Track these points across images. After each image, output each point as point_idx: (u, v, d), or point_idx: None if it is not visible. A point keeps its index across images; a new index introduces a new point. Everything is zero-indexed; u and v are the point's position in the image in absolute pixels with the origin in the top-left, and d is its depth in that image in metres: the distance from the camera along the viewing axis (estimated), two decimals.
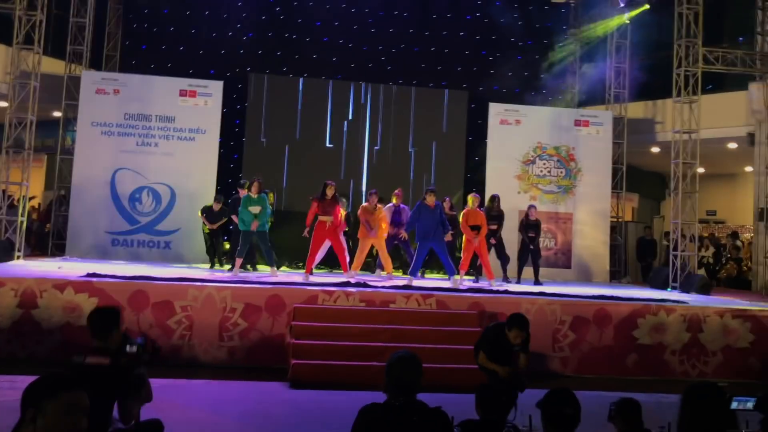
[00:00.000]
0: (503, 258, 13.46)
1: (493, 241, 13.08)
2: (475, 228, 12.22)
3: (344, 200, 13.46)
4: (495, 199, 13.36)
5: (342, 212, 12.36)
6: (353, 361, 8.65)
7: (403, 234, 12.94)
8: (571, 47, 17.74)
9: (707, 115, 14.77)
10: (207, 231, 13.51)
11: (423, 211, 11.69)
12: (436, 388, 8.16)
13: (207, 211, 13.46)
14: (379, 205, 12.65)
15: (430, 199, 11.68)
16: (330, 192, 11.80)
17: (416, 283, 11.42)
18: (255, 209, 11.79)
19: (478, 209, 12.39)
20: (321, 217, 11.66)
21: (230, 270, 12.39)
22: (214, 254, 13.60)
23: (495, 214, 13.12)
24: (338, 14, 16.59)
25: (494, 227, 12.98)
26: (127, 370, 4.33)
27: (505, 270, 13.42)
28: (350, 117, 15.73)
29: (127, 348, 4.41)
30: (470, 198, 12.53)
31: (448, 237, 11.95)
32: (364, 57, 16.58)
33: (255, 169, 15.12)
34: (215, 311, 9.58)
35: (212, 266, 13.39)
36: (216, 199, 13.62)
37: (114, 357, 4.34)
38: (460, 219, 12.41)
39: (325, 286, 10.45)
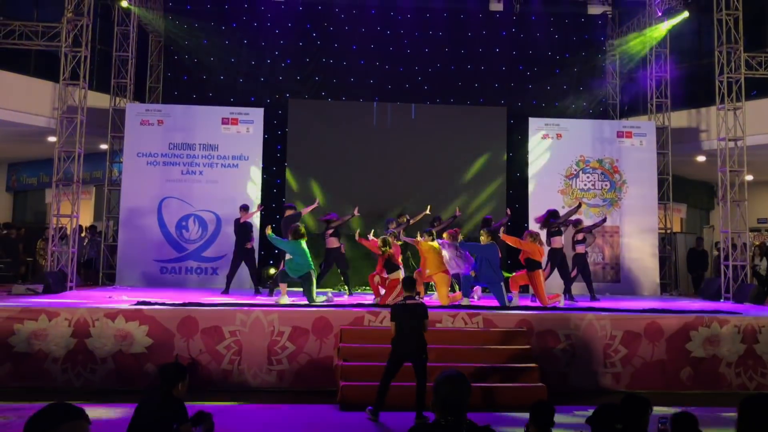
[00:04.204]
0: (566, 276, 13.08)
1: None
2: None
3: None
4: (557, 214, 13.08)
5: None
6: (402, 381, 8.61)
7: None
8: (610, 58, 17.62)
9: (753, 122, 14.49)
10: (237, 250, 13.14)
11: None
12: (485, 407, 8.14)
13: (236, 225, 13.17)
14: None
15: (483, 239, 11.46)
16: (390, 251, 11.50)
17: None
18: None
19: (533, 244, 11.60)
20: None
21: (270, 294, 12.48)
22: (233, 277, 13.12)
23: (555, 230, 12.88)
24: (374, 37, 16.77)
25: (559, 246, 12.77)
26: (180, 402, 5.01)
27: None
28: (389, 138, 15.76)
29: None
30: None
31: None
32: (401, 78, 16.68)
33: (298, 193, 15.28)
34: (263, 335, 9.65)
35: (227, 290, 12.89)
36: (243, 207, 13.30)
37: None
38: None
39: (372, 307, 10.46)
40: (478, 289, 12.45)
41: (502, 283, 11.39)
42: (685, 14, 15.33)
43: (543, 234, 12.62)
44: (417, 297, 8.76)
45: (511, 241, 11.65)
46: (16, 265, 16.21)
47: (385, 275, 11.49)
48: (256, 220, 14.17)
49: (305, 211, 13.17)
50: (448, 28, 16.98)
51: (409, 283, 8.38)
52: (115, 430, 4.97)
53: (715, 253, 17.14)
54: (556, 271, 12.88)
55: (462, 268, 11.62)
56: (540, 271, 11.50)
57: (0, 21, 14.30)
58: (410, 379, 8.65)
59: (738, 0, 14.04)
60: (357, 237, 12.37)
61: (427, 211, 13.58)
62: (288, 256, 11.63)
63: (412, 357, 7.91)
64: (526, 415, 4.70)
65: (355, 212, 13.16)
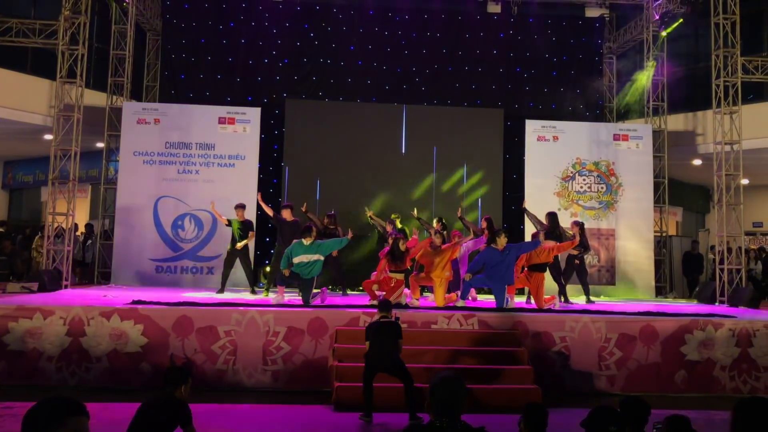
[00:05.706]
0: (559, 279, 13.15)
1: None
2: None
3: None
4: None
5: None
6: (397, 383, 8.62)
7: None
8: (607, 61, 17.64)
9: (749, 125, 14.52)
10: (231, 249, 12.96)
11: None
12: (480, 408, 8.14)
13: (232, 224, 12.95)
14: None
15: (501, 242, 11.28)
16: (404, 246, 11.53)
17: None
18: None
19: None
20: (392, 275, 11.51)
21: (266, 294, 12.44)
22: (228, 278, 13.00)
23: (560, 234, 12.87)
24: (371, 37, 16.78)
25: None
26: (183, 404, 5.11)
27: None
28: (386, 139, 15.75)
29: None
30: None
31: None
32: (397, 79, 16.68)
33: (294, 193, 15.25)
34: (258, 335, 9.64)
35: (222, 290, 12.75)
36: (239, 206, 13.08)
37: None
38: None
39: (367, 308, 10.45)
40: (473, 291, 12.44)
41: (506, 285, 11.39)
42: (680, 21, 15.36)
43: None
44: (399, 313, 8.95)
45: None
46: (10, 263, 16.18)
47: (388, 276, 11.51)
48: (253, 217, 14.07)
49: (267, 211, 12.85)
50: (445, 29, 16.99)
51: (384, 305, 8.58)
52: (111, 430, 4.95)
53: (711, 256, 17.17)
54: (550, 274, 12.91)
55: (464, 269, 11.66)
56: (543, 274, 11.53)
57: None
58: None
59: (735, 4, 14.08)
60: (414, 233, 12.69)
61: (414, 214, 13.51)
62: (308, 258, 11.08)
63: (385, 370, 8.12)
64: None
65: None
